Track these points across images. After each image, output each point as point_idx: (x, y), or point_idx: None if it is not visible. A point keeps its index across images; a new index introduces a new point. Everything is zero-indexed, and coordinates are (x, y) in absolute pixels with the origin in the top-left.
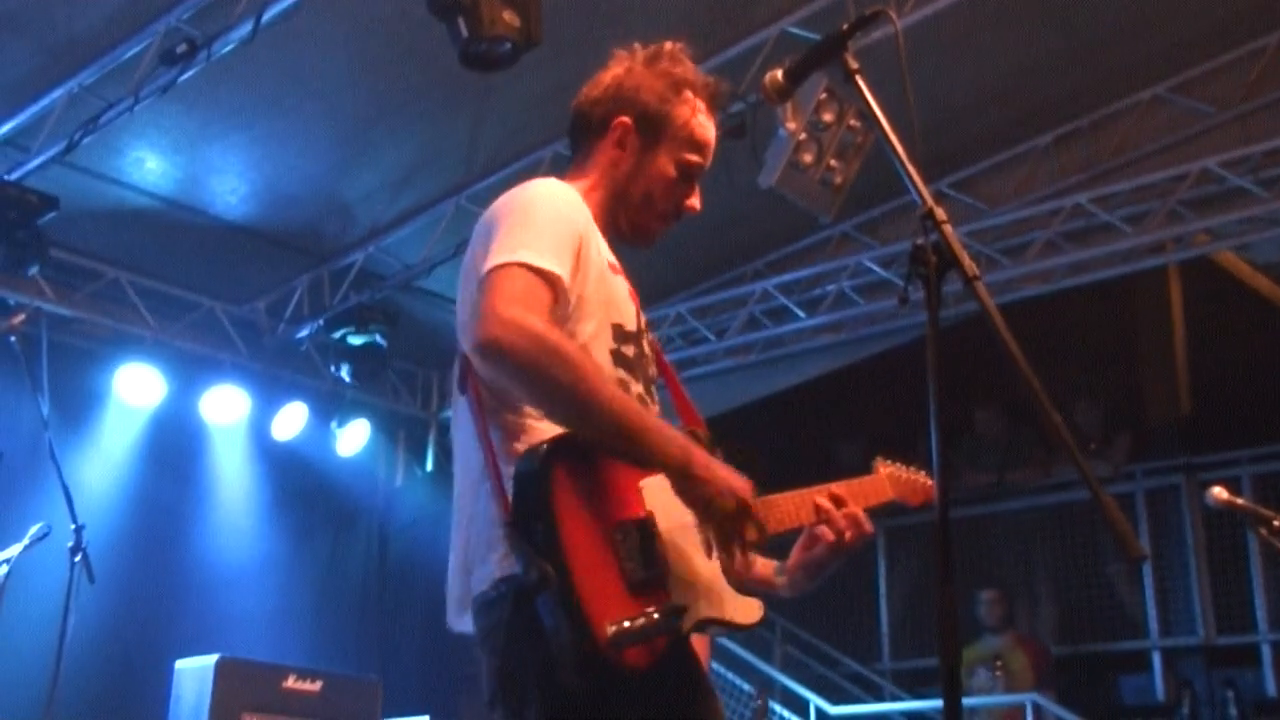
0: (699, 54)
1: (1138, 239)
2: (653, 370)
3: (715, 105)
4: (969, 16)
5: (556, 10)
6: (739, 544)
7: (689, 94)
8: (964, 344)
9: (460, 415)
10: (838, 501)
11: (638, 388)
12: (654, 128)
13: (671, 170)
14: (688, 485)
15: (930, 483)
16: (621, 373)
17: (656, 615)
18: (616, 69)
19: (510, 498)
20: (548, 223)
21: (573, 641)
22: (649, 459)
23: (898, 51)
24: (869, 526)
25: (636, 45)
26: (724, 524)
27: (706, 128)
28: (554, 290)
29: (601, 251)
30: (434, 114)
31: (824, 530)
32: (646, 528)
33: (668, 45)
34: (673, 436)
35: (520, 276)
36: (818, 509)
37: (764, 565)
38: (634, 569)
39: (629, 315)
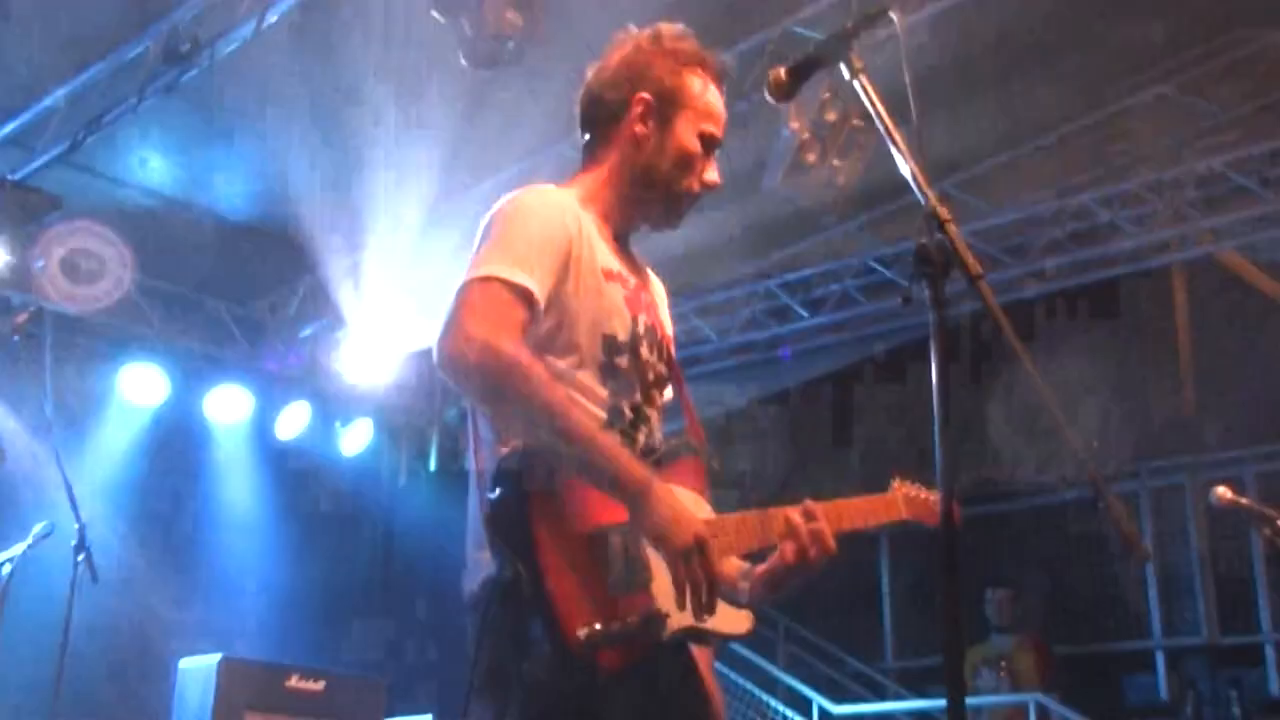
0: None
1: (1142, 238)
2: (654, 374)
3: (721, 78)
4: (973, 15)
5: (560, 9)
6: (691, 581)
7: (697, 67)
8: (969, 343)
9: (467, 418)
10: (808, 516)
11: (634, 398)
12: (671, 101)
13: (695, 142)
14: (641, 518)
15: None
16: (611, 387)
17: (633, 621)
18: (622, 50)
19: (490, 497)
20: (527, 235)
21: (547, 642)
22: (606, 487)
23: (901, 51)
24: (832, 545)
25: (632, 27)
26: (675, 561)
27: (718, 99)
28: (529, 306)
29: (597, 258)
30: (437, 113)
31: (786, 546)
32: (630, 533)
33: (665, 25)
34: (631, 469)
35: (492, 292)
36: (786, 522)
37: (734, 566)
38: (614, 573)
39: (622, 324)
